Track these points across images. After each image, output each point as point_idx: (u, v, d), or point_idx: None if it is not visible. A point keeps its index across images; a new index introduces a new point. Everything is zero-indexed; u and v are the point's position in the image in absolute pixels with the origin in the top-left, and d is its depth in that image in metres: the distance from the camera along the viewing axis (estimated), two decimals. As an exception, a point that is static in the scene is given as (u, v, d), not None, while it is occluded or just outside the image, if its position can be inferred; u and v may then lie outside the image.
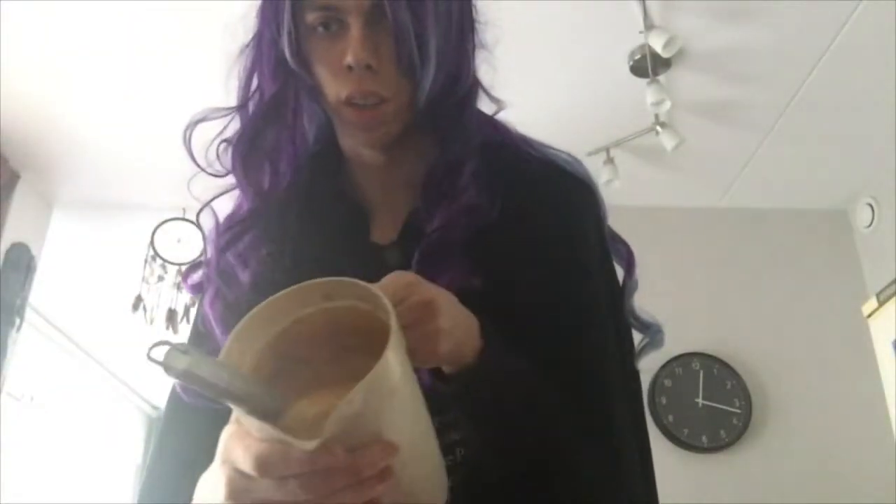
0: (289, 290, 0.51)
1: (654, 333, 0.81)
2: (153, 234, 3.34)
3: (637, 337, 0.81)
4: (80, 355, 4.74)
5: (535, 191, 0.76)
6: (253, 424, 0.48)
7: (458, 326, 0.59)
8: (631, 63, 2.53)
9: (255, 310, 0.51)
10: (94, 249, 3.67)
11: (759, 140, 2.96)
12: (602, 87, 2.66)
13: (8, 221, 3.02)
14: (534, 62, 2.52)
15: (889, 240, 3.02)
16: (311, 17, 0.70)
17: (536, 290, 0.70)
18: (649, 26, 2.36)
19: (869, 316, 2.86)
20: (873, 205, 3.16)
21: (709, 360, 3.09)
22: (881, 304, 2.78)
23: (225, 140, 0.77)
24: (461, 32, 0.74)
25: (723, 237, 3.35)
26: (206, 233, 0.79)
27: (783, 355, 3.10)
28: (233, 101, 0.77)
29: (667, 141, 2.68)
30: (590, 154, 2.91)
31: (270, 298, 0.51)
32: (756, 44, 2.48)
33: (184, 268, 3.45)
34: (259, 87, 0.76)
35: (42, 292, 3.47)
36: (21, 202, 3.11)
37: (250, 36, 0.78)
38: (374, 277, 0.63)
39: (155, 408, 5.92)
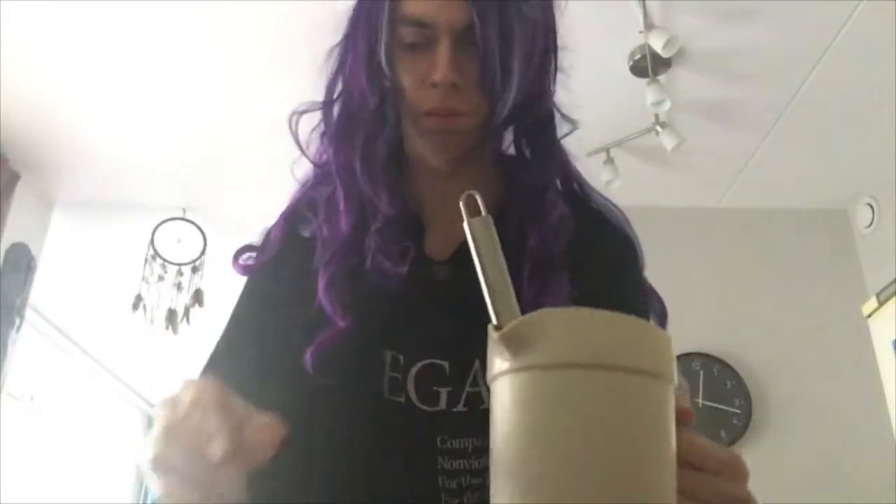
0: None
1: (681, 394, 0.79)
2: (153, 233, 3.34)
3: None
4: (80, 355, 4.74)
5: (590, 244, 0.78)
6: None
7: None
8: (631, 63, 2.53)
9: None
10: (94, 249, 3.67)
11: (759, 140, 2.96)
12: (602, 87, 2.65)
13: (8, 221, 3.02)
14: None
15: (889, 240, 3.02)
16: (403, 30, 0.72)
17: None
18: (649, 26, 2.35)
19: (869, 316, 2.86)
20: (873, 205, 3.16)
21: (709, 360, 3.09)
22: (881, 304, 2.78)
23: (324, 133, 0.81)
24: (543, 57, 0.77)
25: (723, 237, 3.34)
26: (326, 226, 0.80)
27: (783, 355, 3.09)
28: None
29: (667, 141, 2.68)
30: (590, 154, 2.91)
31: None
32: (756, 44, 2.48)
33: (184, 268, 3.48)
34: (352, 87, 0.78)
35: (42, 292, 3.47)
36: (21, 202, 3.11)
37: (340, 37, 0.80)
38: (421, 289, 0.73)
39: (155, 407, 5.91)
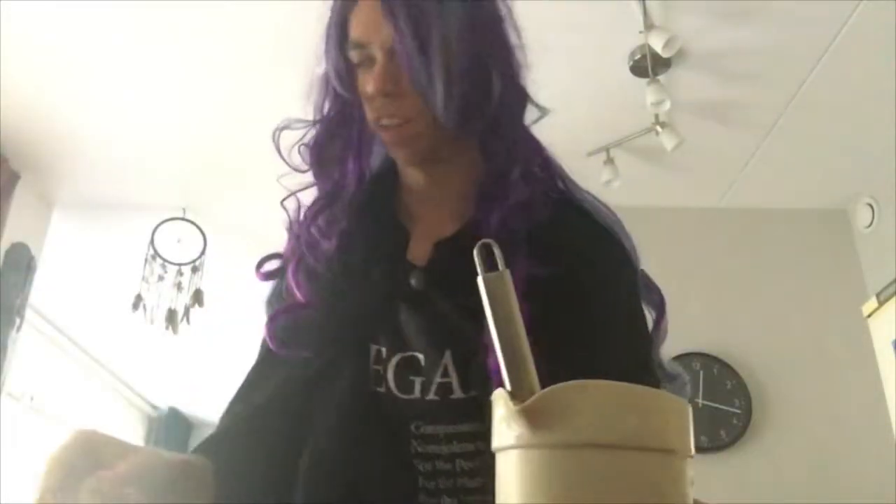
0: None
1: (680, 386, 0.83)
2: (153, 233, 3.34)
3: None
4: (80, 355, 4.74)
5: (577, 244, 0.81)
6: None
7: None
8: (631, 63, 2.53)
9: None
10: (94, 249, 3.67)
11: (759, 140, 2.96)
12: (602, 87, 2.66)
13: (8, 221, 3.02)
14: (533, 62, 2.51)
15: (889, 240, 3.02)
16: (352, 53, 0.82)
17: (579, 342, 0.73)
18: (649, 26, 2.35)
19: (869, 316, 2.86)
20: (873, 205, 3.16)
21: (709, 360, 3.09)
22: (881, 304, 2.78)
23: (304, 144, 0.89)
24: (478, 58, 0.81)
25: (723, 237, 3.35)
26: (291, 215, 0.89)
27: (783, 355, 3.10)
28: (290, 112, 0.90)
29: (667, 141, 2.68)
30: (590, 154, 2.91)
31: None
32: (756, 44, 2.48)
33: (184, 268, 3.48)
34: (327, 107, 0.88)
35: (42, 292, 3.47)
36: (21, 202, 3.11)
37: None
38: (402, 290, 0.81)
39: (154, 407, 5.91)
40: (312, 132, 0.88)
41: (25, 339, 3.42)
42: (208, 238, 3.38)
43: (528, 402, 0.41)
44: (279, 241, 0.94)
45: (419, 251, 0.84)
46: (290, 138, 0.90)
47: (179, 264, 3.41)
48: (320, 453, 0.78)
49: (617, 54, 2.53)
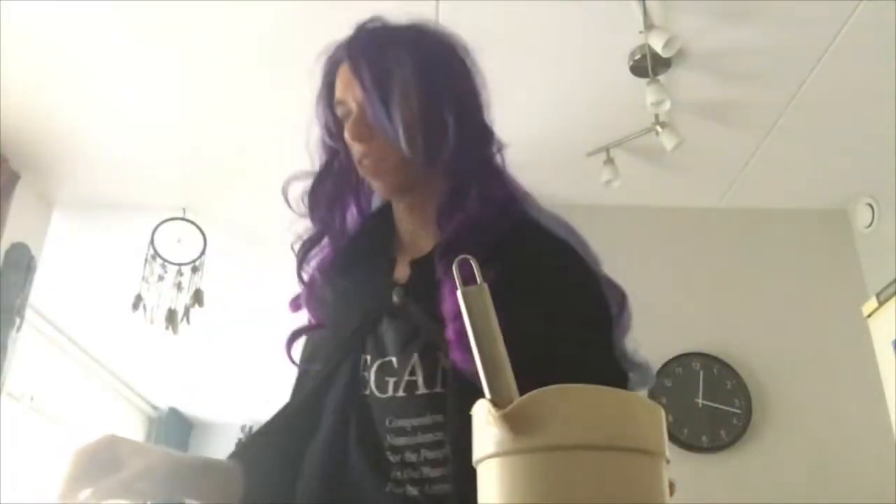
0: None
1: (643, 373, 0.91)
2: (153, 233, 3.34)
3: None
4: (80, 355, 4.74)
5: (533, 259, 0.90)
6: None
7: None
8: (631, 63, 2.53)
9: None
10: (94, 249, 3.67)
11: (759, 140, 2.96)
12: (602, 87, 2.66)
13: (8, 221, 3.02)
14: (534, 62, 2.52)
15: (889, 240, 3.02)
16: (337, 109, 0.98)
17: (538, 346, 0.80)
18: (649, 26, 2.35)
19: (869, 316, 2.86)
20: (873, 205, 3.16)
21: (709, 360, 3.09)
22: (881, 304, 2.78)
23: (306, 193, 1.04)
24: (435, 105, 0.94)
25: (723, 237, 3.34)
26: (298, 256, 1.03)
27: (783, 355, 3.10)
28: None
29: (667, 141, 2.68)
30: (590, 154, 2.91)
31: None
32: (756, 44, 2.48)
33: (184, 268, 3.48)
34: (323, 159, 1.05)
35: (42, 292, 3.47)
36: (21, 202, 3.11)
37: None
38: (384, 306, 0.94)
39: (155, 408, 5.91)
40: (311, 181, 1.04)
41: (25, 339, 3.42)
42: (208, 238, 3.38)
43: (510, 407, 0.41)
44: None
45: (402, 271, 0.98)
46: (298, 185, 1.03)
47: (179, 264, 3.41)
48: (313, 454, 0.91)
49: (617, 54, 2.53)
